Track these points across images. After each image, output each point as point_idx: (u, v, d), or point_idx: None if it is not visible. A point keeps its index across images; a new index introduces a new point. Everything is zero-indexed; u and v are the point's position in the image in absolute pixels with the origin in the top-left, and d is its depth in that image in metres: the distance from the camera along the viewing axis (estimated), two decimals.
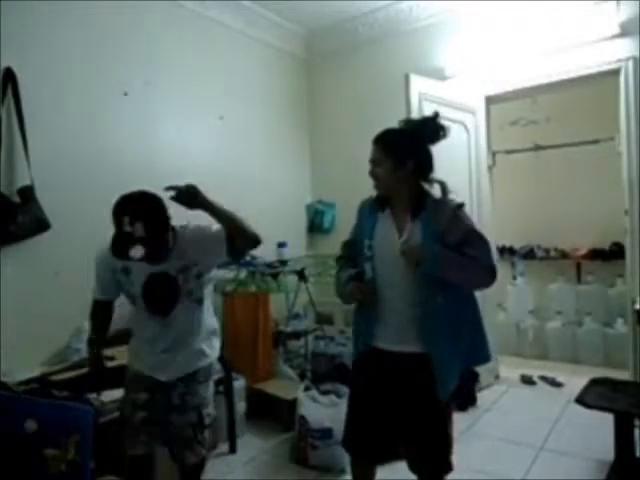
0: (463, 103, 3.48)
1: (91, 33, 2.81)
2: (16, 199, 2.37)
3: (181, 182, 3.36)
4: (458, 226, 1.61)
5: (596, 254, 4.29)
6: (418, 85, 3.22)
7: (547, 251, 4.57)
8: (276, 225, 3.91)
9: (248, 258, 3.40)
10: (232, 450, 2.73)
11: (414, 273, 1.60)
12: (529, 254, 4.62)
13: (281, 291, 3.47)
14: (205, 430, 1.83)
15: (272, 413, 3.07)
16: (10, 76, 2.40)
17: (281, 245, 3.55)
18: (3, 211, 2.33)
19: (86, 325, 2.15)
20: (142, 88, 3.07)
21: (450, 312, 1.62)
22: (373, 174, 1.72)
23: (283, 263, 3.50)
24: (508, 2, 3.39)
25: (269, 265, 3.43)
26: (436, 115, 1.70)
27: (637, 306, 2.90)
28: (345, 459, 2.37)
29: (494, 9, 3.47)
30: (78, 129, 2.74)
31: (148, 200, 1.61)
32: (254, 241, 1.78)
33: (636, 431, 2.35)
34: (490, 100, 3.70)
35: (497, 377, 3.76)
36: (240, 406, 2.92)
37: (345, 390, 2.59)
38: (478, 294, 1.75)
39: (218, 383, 2.70)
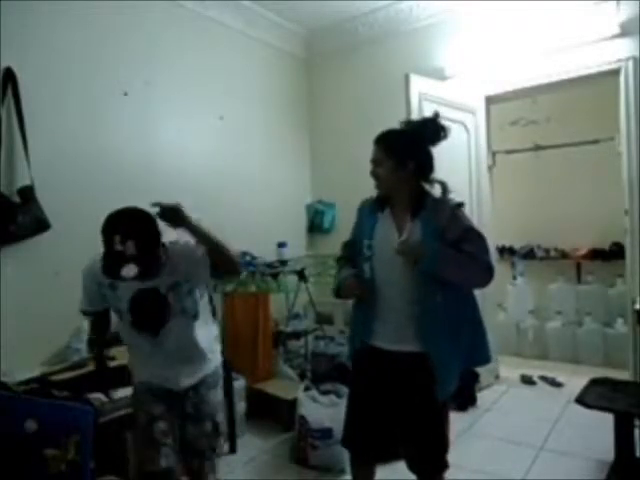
0: (463, 103, 3.48)
1: (91, 33, 2.81)
2: (16, 199, 2.37)
3: (181, 182, 3.39)
4: (457, 224, 1.62)
5: (596, 254, 4.29)
6: (418, 85, 3.22)
7: (547, 251, 4.57)
8: (276, 225, 3.93)
9: (248, 258, 3.40)
10: (232, 450, 2.73)
11: (412, 271, 1.60)
12: (529, 254, 4.62)
13: (281, 291, 3.47)
14: (220, 439, 1.81)
15: (272, 413, 3.07)
16: (10, 76, 2.40)
17: (281, 245, 3.55)
18: (3, 211, 2.33)
19: (86, 325, 2.16)
20: (142, 88, 3.07)
21: (449, 311, 1.62)
22: (374, 174, 1.73)
23: (283, 263, 3.50)
24: (508, 2, 3.39)
25: (269, 265, 3.44)
26: (436, 116, 1.71)
27: (637, 306, 2.90)
28: (345, 459, 2.37)
29: (494, 9, 3.47)
30: (78, 129, 2.74)
31: (138, 217, 1.55)
32: (234, 270, 1.76)
33: (636, 431, 2.35)
34: (490, 100, 3.70)
35: (497, 377, 3.76)
36: (240, 406, 2.92)
37: (345, 390, 2.59)
38: (478, 294, 1.75)
39: None
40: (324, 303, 3.74)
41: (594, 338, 4.12)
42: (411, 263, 1.59)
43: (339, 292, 1.78)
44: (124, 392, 1.95)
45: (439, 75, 3.63)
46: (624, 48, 3.09)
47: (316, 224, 4.29)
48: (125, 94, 2.97)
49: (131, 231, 1.49)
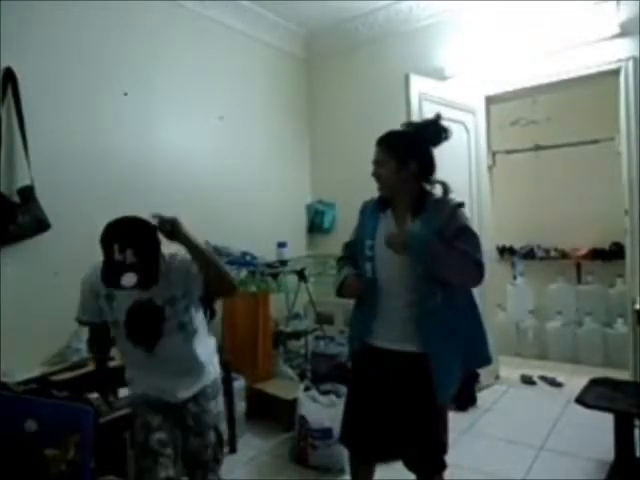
0: (463, 103, 3.48)
1: (91, 33, 2.81)
2: (16, 199, 2.36)
3: (181, 182, 3.39)
4: (453, 222, 1.62)
5: (596, 254, 4.29)
6: (418, 85, 3.22)
7: (547, 251, 4.57)
8: (276, 225, 3.93)
9: (248, 258, 3.40)
10: (232, 450, 2.73)
11: (408, 264, 1.60)
12: (529, 254, 4.62)
13: (281, 291, 3.47)
14: (223, 449, 1.80)
15: (272, 413, 3.07)
16: (10, 76, 2.40)
17: (281, 245, 3.55)
18: (3, 211, 2.33)
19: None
20: (142, 88, 3.07)
21: (449, 313, 1.62)
22: (376, 175, 1.74)
23: (283, 263, 3.50)
24: (508, 2, 3.39)
25: (269, 265, 3.44)
26: (438, 117, 1.72)
27: (637, 306, 2.90)
28: (345, 459, 2.37)
29: (494, 9, 3.47)
30: (78, 129, 2.74)
31: (137, 226, 1.53)
32: (229, 290, 1.69)
33: (636, 431, 2.35)
34: (490, 100, 3.70)
35: (497, 377, 3.76)
36: (240, 406, 2.92)
37: (345, 390, 2.60)
38: (477, 294, 1.75)
39: None
40: (324, 303, 3.74)
41: (594, 338, 4.12)
42: (400, 251, 1.59)
43: (340, 291, 1.78)
44: (124, 392, 1.94)
45: (439, 75, 3.63)
46: (624, 48, 3.09)
47: (316, 224, 4.29)
48: (125, 94, 2.97)
49: (130, 240, 1.48)
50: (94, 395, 2.05)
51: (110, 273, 1.47)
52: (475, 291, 1.73)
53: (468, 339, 1.67)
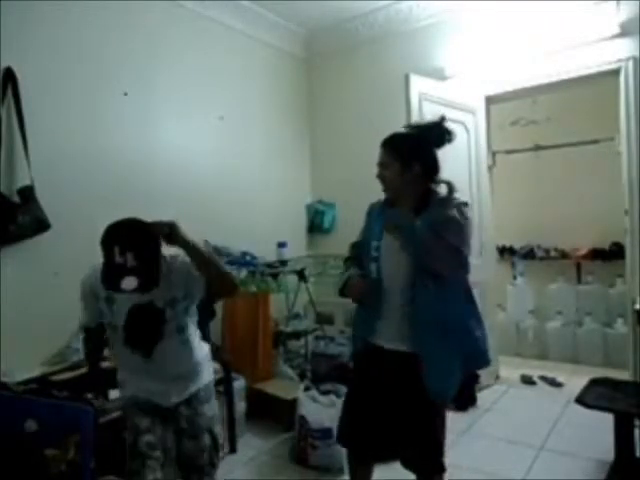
0: (463, 103, 3.48)
1: (91, 33, 2.81)
2: (16, 199, 2.36)
3: (181, 182, 3.39)
4: (445, 215, 1.62)
5: (596, 254, 4.29)
6: (418, 85, 3.22)
7: (547, 251, 4.57)
8: (276, 225, 3.93)
9: (248, 258, 3.41)
10: (232, 450, 2.73)
11: (395, 239, 1.62)
12: (529, 254, 4.62)
13: (281, 291, 3.47)
14: (219, 453, 1.78)
15: (272, 413, 3.07)
16: (10, 76, 2.40)
17: (281, 245, 3.55)
18: (3, 211, 2.33)
19: None
20: (142, 88, 3.07)
21: (443, 309, 1.62)
22: (381, 177, 1.74)
23: (283, 263, 3.50)
24: (508, 2, 3.39)
25: (269, 265, 3.44)
26: (442, 119, 1.72)
27: (637, 306, 2.90)
28: (344, 459, 2.37)
29: (494, 9, 3.46)
30: (78, 129, 2.74)
31: (137, 228, 1.52)
32: (230, 289, 1.69)
33: (636, 431, 2.35)
34: (490, 100, 3.70)
35: (497, 377, 3.76)
36: (240, 406, 2.92)
37: (345, 390, 2.60)
38: (477, 294, 1.75)
39: (218, 383, 2.70)
40: (324, 303, 3.74)
41: (594, 338, 4.12)
42: (392, 230, 1.62)
43: (343, 290, 1.79)
44: (114, 394, 1.94)
45: (439, 75, 3.63)
46: (624, 48, 3.08)
47: (316, 224, 4.29)
48: (125, 94, 2.97)
49: (131, 243, 1.47)
50: (88, 396, 2.05)
51: (110, 276, 1.47)
52: (475, 291, 1.73)
53: (466, 339, 1.67)
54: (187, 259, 1.63)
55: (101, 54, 2.86)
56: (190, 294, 1.67)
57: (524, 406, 3.33)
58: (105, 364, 2.08)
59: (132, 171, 2.97)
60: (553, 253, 4.53)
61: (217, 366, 2.66)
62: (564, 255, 4.47)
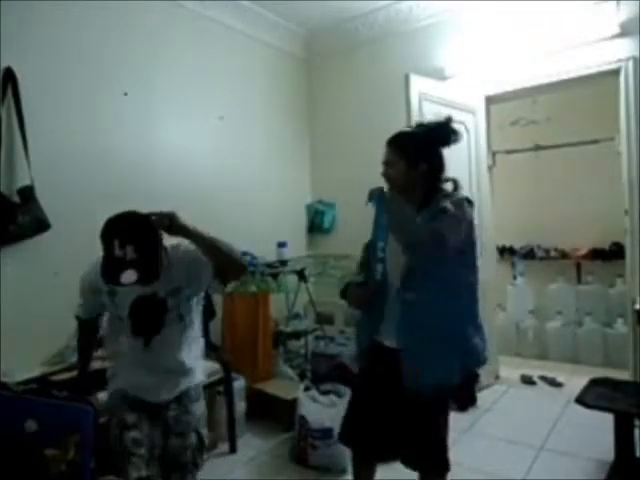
0: (463, 103, 3.48)
1: (91, 33, 2.81)
2: (16, 199, 2.36)
3: (181, 182, 3.39)
4: (440, 207, 1.60)
5: (596, 254, 4.29)
6: (418, 85, 3.22)
7: (547, 251, 4.56)
8: (276, 225, 3.93)
9: (248, 258, 3.40)
10: (232, 450, 2.73)
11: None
12: (529, 254, 4.62)
13: (281, 291, 3.47)
14: (204, 453, 1.77)
15: (272, 413, 3.07)
16: (10, 76, 2.40)
17: (281, 245, 3.55)
18: (3, 211, 2.33)
19: None
20: (142, 88, 3.07)
21: (435, 309, 1.61)
22: (386, 175, 1.74)
23: (283, 263, 3.50)
24: (508, 2, 3.39)
25: (269, 265, 3.44)
26: (449, 120, 1.72)
27: (637, 306, 2.90)
28: (345, 459, 2.37)
29: (494, 9, 3.46)
30: (78, 129, 2.74)
31: (137, 221, 1.52)
32: (239, 268, 1.72)
33: (636, 431, 2.35)
34: (490, 100, 3.70)
35: (497, 377, 3.76)
36: (240, 406, 2.92)
37: (345, 390, 2.60)
38: (478, 294, 1.75)
39: (218, 383, 2.71)
40: (324, 303, 3.74)
41: (594, 338, 4.12)
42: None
43: (345, 294, 1.80)
44: (102, 396, 1.95)
45: (439, 75, 3.63)
46: (624, 48, 3.08)
47: (316, 224, 4.29)
48: (125, 94, 2.97)
49: (131, 236, 1.47)
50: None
51: (110, 269, 1.48)
52: (472, 290, 1.73)
53: (462, 339, 1.66)
54: (190, 247, 1.64)
55: (101, 54, 2.86)
56: (196, 281, 1.68)
57: (524, 406, 3.33)
58: (96, 364, 2.08)
59: (132, 171, 2.98)
60: (553, 253, 4.53)
61: (217, 366, 2.68)
62: (564, 255, 4.46)
